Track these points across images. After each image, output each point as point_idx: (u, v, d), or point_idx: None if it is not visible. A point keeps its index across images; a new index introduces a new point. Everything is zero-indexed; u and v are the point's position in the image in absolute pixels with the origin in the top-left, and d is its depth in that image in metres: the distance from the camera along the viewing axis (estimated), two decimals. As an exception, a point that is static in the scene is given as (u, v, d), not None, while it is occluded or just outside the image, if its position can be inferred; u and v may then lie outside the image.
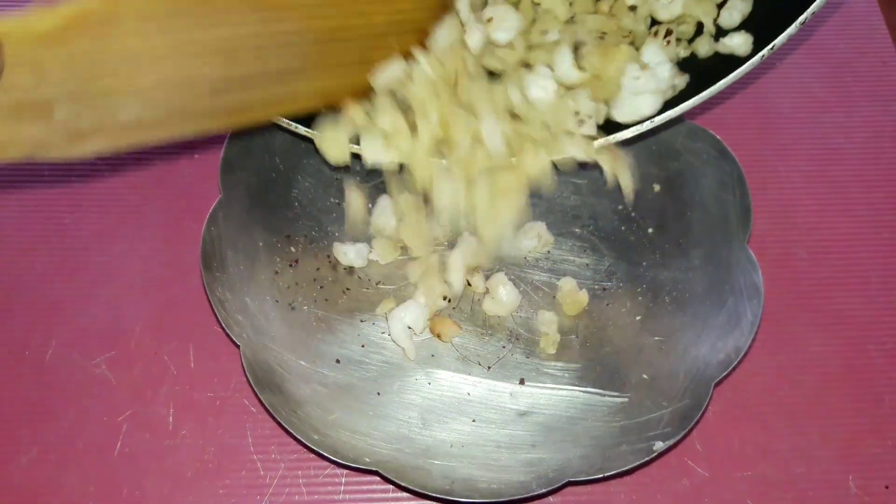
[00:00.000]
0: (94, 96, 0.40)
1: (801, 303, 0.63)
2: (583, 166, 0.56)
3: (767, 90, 0.73)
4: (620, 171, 0.55)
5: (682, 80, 0.55)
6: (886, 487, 0.55)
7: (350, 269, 0.62)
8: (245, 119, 0.49)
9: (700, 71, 0.55)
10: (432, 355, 0.59)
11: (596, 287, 0.62)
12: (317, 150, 0.57)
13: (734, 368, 0.54)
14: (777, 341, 0.61)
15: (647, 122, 0.55)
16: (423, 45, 0.53)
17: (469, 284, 0.61)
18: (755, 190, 0.61)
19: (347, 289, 0.61)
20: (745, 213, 0.60)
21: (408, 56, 0.53)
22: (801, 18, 0.49)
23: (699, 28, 0.56)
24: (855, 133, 0.72)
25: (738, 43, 0.53)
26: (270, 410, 0.52)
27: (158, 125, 0.44)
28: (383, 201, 0.63)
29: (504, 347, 0.59)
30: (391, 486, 0.54)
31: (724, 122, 0.71)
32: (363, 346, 0.59)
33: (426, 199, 0.57)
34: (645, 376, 0.55)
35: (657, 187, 0.64)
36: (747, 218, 0.60)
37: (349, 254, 0.61)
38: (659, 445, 0.51)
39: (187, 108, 0.45)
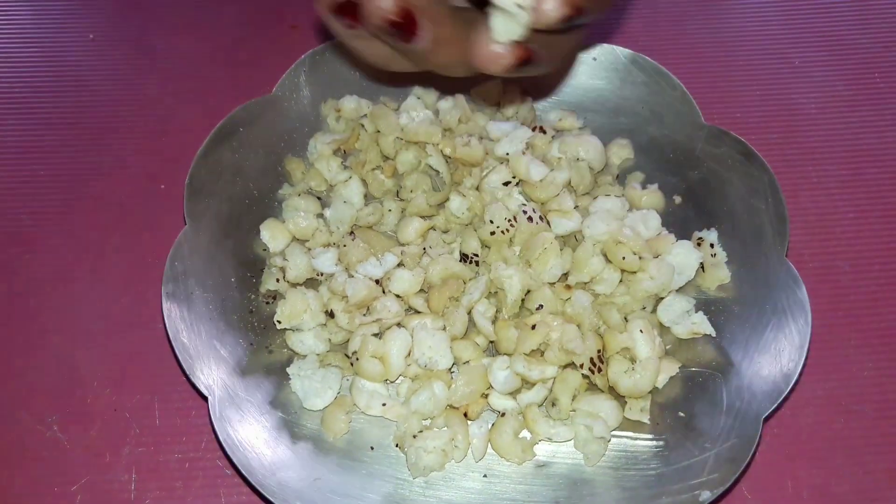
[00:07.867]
0: None
1: (849, 321, 0.55)
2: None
3: (789, 90, 0.67)
4: None
5: None
6: (969, 533, 0.48)
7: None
8: None
9: None
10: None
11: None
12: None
13: (784, 400, 0.47)
14: (826, 366, 0.53)
15: None
16: None
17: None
18: (786, 197, 0.54)
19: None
20: (781, 222, 0.53)
21: None
22: None
23: None
24: (888, 131, 0.65)
25: None
26: (245, 475, 0.45)
27: None
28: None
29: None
30: (391, 558, 0.46)
31: (745, 126, 0.64)
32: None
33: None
34: (681, 414, 0.48)
35: (678, 199, 0.57)
36: (784, 228, 0.53)
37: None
38: (706, 496, 0.43)
39: None
